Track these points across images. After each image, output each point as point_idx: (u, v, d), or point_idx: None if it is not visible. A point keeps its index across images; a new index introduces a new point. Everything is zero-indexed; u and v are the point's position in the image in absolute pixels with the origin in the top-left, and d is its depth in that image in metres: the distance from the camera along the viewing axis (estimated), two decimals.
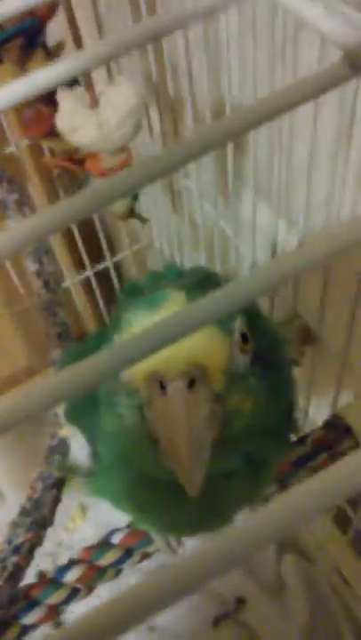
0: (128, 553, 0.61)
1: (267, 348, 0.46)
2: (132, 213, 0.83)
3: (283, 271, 0.17)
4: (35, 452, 0.69)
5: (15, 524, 0.55)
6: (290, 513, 0.13)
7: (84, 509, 1.17)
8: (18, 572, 0.52)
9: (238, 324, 0.42)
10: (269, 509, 0.14)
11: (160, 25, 0.23)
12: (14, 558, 0.53)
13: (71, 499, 1.15)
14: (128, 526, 0.61)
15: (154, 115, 0.92)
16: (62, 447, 0.59)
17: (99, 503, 1.12)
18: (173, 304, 0.41)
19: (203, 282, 0.45)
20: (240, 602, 1.06)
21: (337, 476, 0.14)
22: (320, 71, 0.21)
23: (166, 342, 0.16)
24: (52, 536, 1.04)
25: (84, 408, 0.50)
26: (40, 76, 0.22)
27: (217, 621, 1.04)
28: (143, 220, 0.88)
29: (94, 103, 0.69)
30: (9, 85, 0.22)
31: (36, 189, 1.07)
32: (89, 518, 1.14)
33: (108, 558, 0.61)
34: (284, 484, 0.66)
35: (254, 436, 0.45)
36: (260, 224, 0.78)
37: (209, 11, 0.24)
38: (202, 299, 0.16)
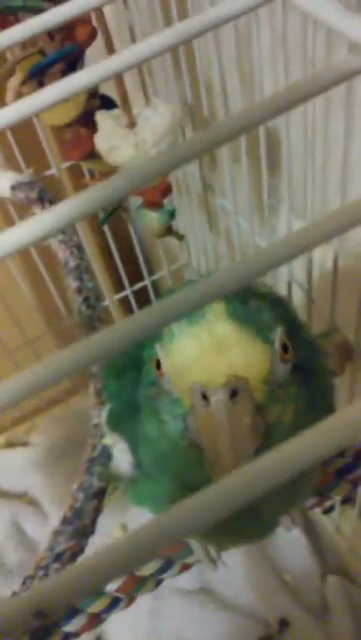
0: (168, 563, 0.61)
1: (306, 357, 0.46)
2: (169, 231, 0.84)
3: (294, 245, 0.18)
4: (76, 471, 0.69)
5: (57, 533, 0.56)
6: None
7: (125, 529, 1.17)
8: None
9: (279, 334, 0.43)
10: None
11: (189, 27, 0.24)
12: (56, 565, 0.53)
13: (112, 518, 1.15)
14: None
15: (190, 135, 0.94)
16: (103, 457, 0.60)
17: (140, 522, 1.12)
18: (214, 314, 0.42)
19: (243, 292, 0.44)
20: (283, 624, 1.04)
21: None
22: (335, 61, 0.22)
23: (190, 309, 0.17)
24: (92, 551, 1.04)
25: (126, 416, 0.51)
26: (74, 80, 0.24)
27: None
28: (180, 238, 0.89)
29: (132, 124, 0.71)
30: (51, 87, 0.23)
31: None
32: None
33: (148, 569, 0.61)
34: (324, 495, 0.65)
35: None
36: None
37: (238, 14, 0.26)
38: (224, 267, 0.17)
